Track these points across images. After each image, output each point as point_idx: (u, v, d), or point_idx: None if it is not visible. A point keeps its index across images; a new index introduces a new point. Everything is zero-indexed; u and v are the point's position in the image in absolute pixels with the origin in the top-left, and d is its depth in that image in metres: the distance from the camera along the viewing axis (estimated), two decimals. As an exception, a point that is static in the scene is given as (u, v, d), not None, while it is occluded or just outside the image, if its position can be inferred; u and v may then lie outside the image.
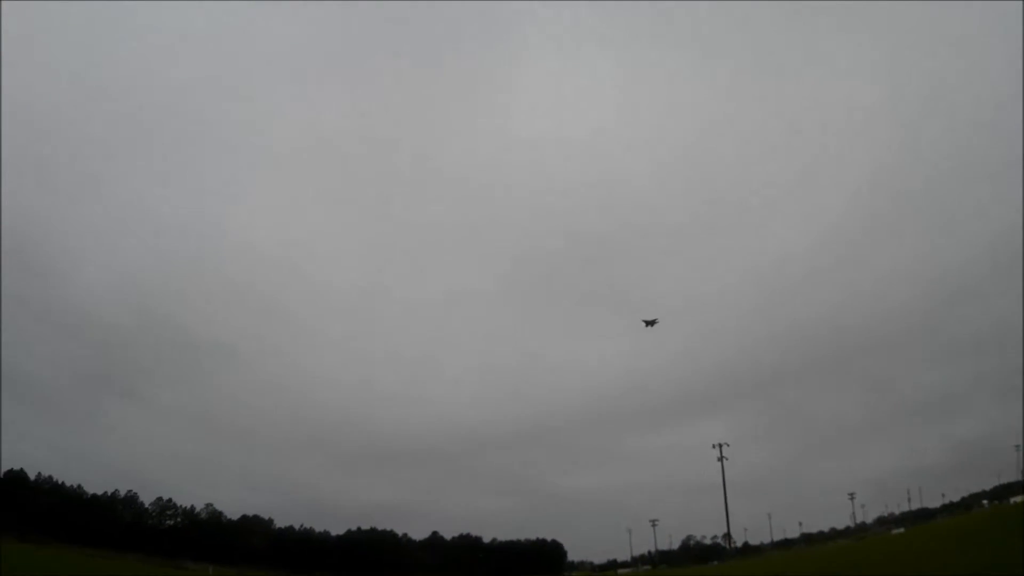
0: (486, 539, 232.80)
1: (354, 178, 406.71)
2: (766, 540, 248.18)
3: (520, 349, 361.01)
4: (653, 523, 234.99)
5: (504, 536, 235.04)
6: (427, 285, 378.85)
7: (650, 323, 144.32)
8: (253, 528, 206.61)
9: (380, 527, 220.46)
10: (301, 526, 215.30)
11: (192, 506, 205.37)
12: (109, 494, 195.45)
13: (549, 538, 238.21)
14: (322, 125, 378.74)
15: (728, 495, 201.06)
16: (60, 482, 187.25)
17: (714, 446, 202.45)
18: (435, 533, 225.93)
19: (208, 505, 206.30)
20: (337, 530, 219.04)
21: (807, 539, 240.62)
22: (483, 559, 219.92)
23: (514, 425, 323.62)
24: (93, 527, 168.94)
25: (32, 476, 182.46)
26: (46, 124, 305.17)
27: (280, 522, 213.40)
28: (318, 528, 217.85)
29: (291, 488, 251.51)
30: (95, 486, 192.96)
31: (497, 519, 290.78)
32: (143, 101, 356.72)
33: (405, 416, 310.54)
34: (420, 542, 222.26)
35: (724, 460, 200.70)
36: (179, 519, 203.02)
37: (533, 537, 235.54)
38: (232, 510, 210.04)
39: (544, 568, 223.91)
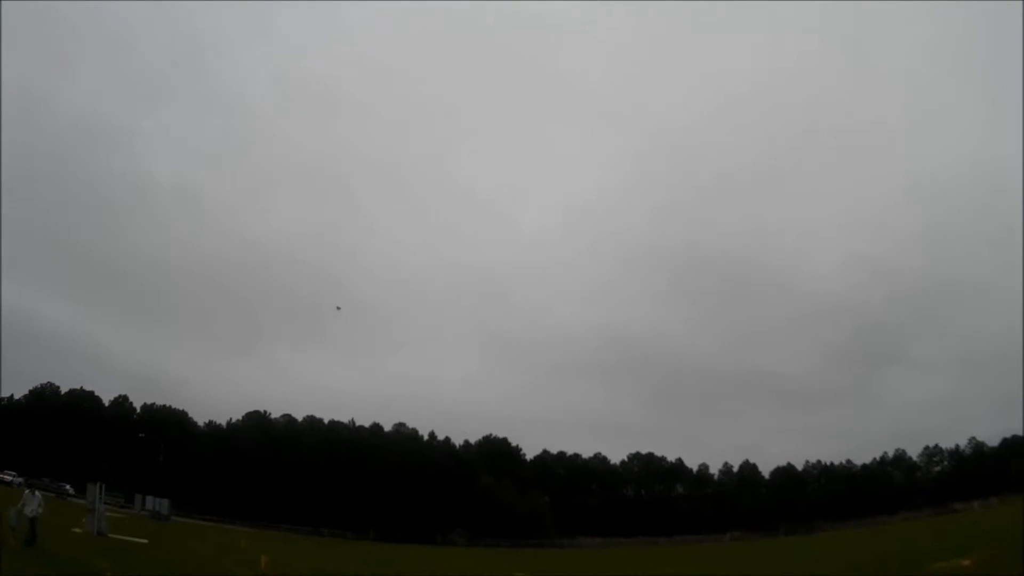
0: None
1: None
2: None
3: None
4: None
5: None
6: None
7: None
8: (1013, 451, 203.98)
9: None
10: None
11: (956, 445, 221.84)
12: (878, 459, 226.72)
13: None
14: None
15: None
16: (828, 464, 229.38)
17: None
18: None
19: (971, 439, 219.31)
20: None
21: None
22: None
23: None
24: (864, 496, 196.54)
25: (800, 467, 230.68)
26: None
27: None
28: None
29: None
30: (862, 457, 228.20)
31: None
32: None
33: None
34: None
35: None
36: (945, 463, 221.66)
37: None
38: (992, 437, 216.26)
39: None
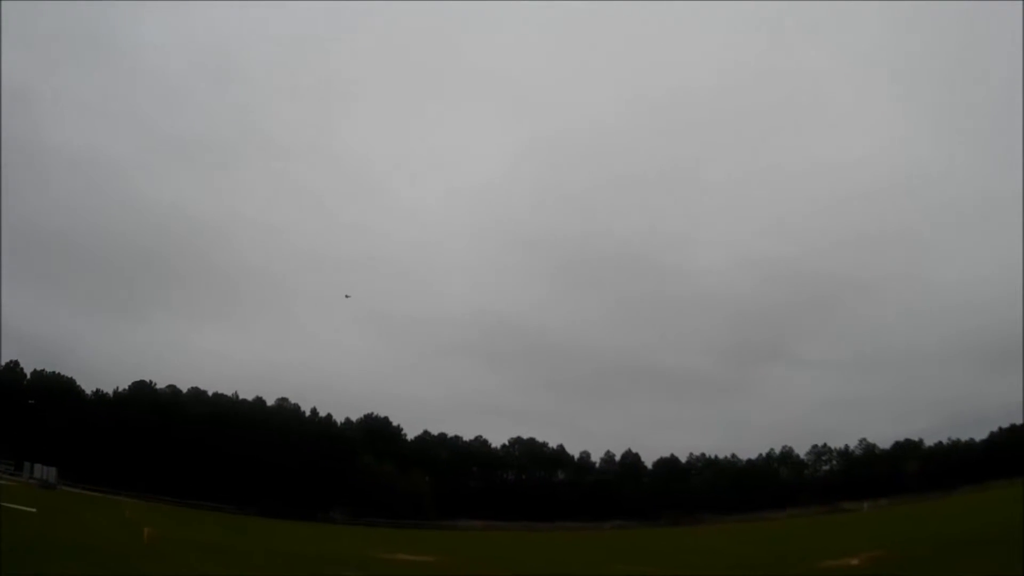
0: None
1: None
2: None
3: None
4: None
5: None
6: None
7: None
8: (905, 454, 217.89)
9: (1019, 423, 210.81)
10: (948, 439, 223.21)
11: (846, 445, 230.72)
12: (764, 455, 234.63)
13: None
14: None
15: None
16: (713, 457, 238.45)
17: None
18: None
19: (862, 440, 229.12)
20: (981, 435, 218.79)
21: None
22: None
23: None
24: (750, 491, 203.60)
25: (684, 459, 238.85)
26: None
27: (929, 440, 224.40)
28: (963, 437, 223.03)
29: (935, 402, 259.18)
30: (748, 452, 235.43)
31: None
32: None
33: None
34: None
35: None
36: (834, 462, 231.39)
37: None
38: (884, 439, 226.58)
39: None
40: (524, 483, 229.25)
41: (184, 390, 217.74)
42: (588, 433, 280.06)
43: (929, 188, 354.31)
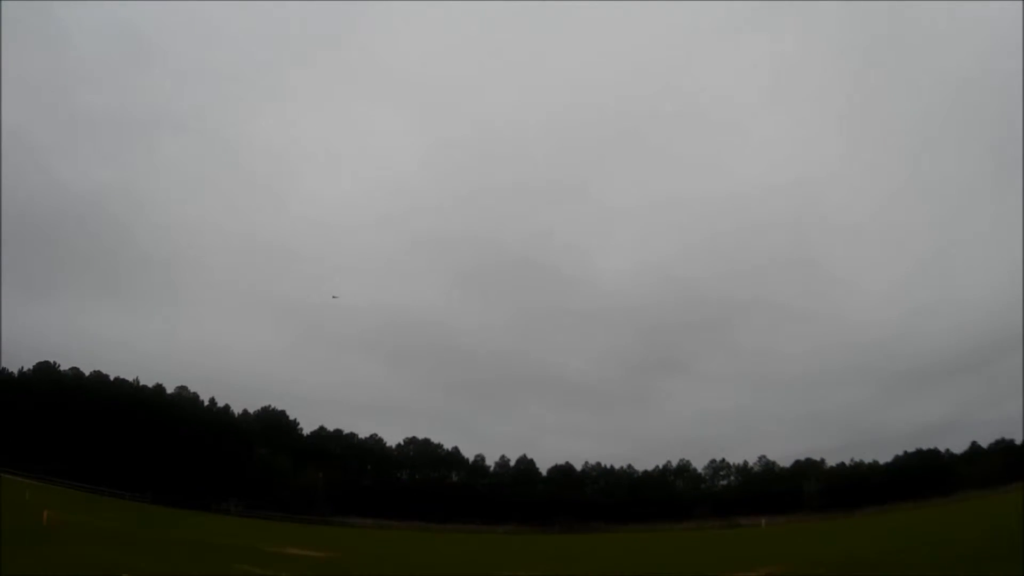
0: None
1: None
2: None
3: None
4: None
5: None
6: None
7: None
8: (806, 472, 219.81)
9: (925, 447, 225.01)
10: (851, 460, 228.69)
11: (745, 461, 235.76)
12: (660, 467, 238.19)
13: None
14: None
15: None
16: (608, 467, 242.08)
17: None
18: (973, 444, 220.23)
19: (761, 457, 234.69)
20: (885, 458, 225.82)
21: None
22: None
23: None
24: (646, 502, 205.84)
25: (579, 467, 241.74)
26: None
27: (831, 460, 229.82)
28: (867, 459, 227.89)
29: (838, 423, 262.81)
30: (644, 464, 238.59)
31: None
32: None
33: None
34: (959, 456, 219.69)
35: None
36: (732, 477, 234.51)
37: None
38: (784, 458, 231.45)
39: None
40: (418, 483, 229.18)
41: (87, 373, 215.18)
42: (484, 436, 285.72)
43: (835, 217, 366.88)
